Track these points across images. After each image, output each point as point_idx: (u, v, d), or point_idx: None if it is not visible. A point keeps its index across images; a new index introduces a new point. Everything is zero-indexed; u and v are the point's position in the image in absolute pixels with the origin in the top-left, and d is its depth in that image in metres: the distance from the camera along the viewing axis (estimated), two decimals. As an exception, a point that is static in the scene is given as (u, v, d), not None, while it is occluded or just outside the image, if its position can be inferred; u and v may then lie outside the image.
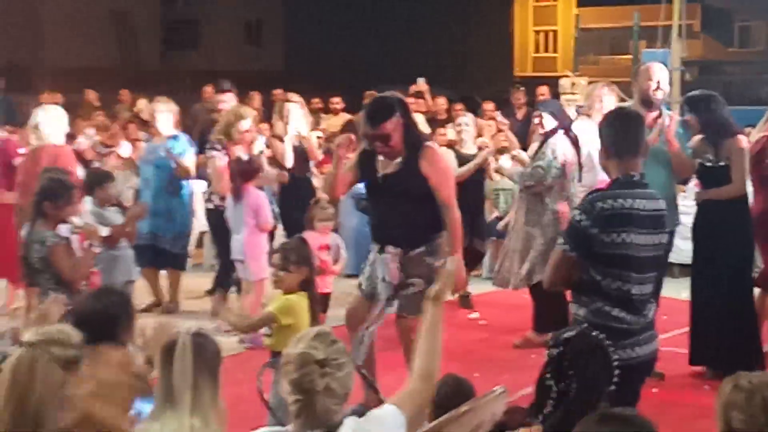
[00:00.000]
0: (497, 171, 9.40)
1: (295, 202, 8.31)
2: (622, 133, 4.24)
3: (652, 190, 4.26)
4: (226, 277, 8.51)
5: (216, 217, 8.35)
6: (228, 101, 9.48)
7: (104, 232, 6.47)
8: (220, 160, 8.25)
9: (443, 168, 5.80)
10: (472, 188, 8.85)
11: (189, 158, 8.74)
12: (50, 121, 7.98)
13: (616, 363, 3.52)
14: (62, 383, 2.91)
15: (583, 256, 4.09)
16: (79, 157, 11.31)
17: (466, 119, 9.37)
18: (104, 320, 3.73)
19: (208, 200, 8.53)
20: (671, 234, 6.49)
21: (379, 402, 4.03)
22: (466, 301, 9.03)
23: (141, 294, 8.63)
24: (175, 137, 8.76)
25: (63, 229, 5.55)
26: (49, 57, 29.62)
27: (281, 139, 8.72)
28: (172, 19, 34.81)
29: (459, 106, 12.92)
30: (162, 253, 8.68)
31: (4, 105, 18.18)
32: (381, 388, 4.55)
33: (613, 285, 4.11)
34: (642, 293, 4.17)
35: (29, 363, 2.88)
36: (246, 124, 8.28)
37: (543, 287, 6.02)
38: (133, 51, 32.78)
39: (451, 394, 3.75)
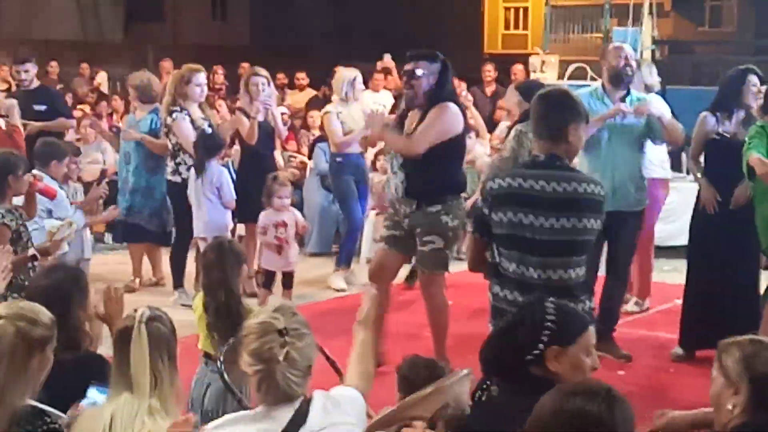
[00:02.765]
0: (469, 162, 9.13)
1: (255, 178, 8.04)
2: (540, 114, 4.27)
3: (568, 173, 4.18)
4: (181, 255, 8.27)
5: (180, 190, 8.08)
6: (30, 70, 9.28)
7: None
8: (184, 121, 7.98)
9: (435, 119, 5.84)
10: None
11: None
12: None
13: None
14: (26, 361, 2.93)
15: (484, 237, 4.18)
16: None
17: None
18: (56, 297, 3.60)
19: (175, 172, 8.13)
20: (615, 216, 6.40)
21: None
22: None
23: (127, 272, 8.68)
24: (155, 111, 8.54)
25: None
26: (8, 29, 29.04)
27: (246, 114, 8.47)
28: (136, -10, 34.30)
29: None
30: (138, 229, 8.53)
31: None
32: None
33: (509, 267, 4.11)
34: (550, 278, 4.09)
35: None
36: (201, 77, 8.08)
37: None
38: (96, 23, 32.25)
39: (418, 371, 3.72)
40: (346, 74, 8.93)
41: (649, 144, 6.92)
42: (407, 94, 6.01)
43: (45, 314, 3.05)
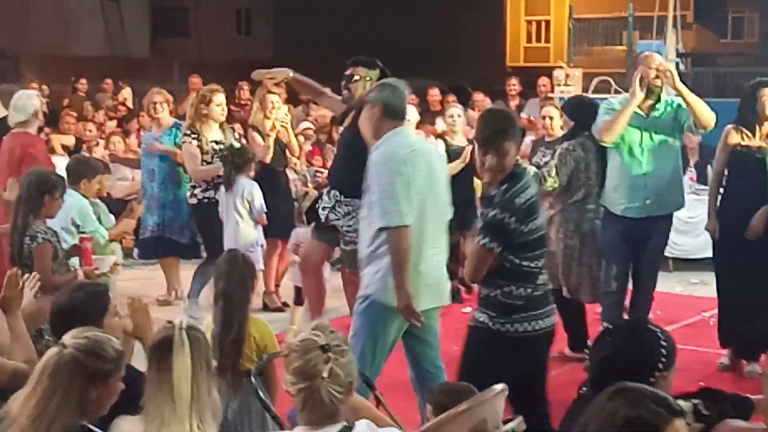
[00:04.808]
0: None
1: (268, 194, 7.99)
2: (517, 125, 4.70)
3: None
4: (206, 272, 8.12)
5: (202, 210, 8.13)
6: None
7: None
8: (190, 145, 8.02)
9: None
10: (461, 182, 8.74)
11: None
12: (20, 108, 7.81)
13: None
14: (82, 393, 2.94)
15: (502, 249, 4.45)
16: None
17: (458, 111, 9.24)
18: (74, 317, 3.64)
19: (192, 195, 8.15)
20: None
21: (376, 400, 3.98)
22: (456, 296, 8.91)
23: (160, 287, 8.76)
24: (177, 126, 8.64)
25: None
26: (37, 45, 29.37)
27: (259, 131, 8.54)
28: (161, 6, 34.59)
29: (452, 98, 12.82)
30: (171, 243, 8.58)
31: (-11, 94, 18.00)
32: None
33: (530, 264, 4.53)
34: (540, 267, 4.60)
35: (55, 365, 2.94)
36: (220, 97, 8.13)
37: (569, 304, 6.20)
38: (122, 39, 32.56)
39: (450, 394, 3.69)
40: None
41: None
42: (344, 94, 6.39)
43: (111, 347, 3.06)
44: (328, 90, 6.94)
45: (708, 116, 6.46)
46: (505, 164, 4.48)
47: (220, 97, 8.15)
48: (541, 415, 4.59)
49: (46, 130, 11.53)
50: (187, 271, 8.79)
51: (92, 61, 26.65)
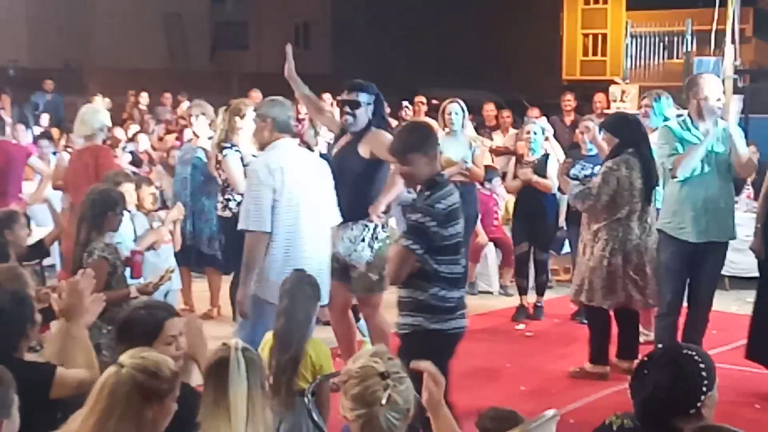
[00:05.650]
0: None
1: None
2: (435, 139, 4.96)
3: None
4: None
5: (232, 224, 8.09)
6: None
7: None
8: (234, 158, 8.01)
9: (385, 143, 5.91)
10: (531, 197, 8.74)
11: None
12: (89, 121, 8.02)
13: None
14: (140, 412, 3.00)
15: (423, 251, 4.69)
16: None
17: (536, 127, 9.09)
18: (141, 333, 3.72)
19: (225, 208, 8.11)
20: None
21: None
22: (539, 312, 8.90)
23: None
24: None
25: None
26: (101, 58, 29.93)
27: (310, 148, 8.63)
28: (221, 20, 35.05)
29: (506, 113, 12.80)
30: (196, 254, 8.60)
31: (53, 105, 18.43)
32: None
33: (447, 269, 4.77)
34: (463, 270, 4.91)
35: (113, 385, 3.00)
36: (250, 112, 7.94)
37: (593, 315, 6.08)
38: (183, 52, 33.03)
39: (496, 420, 3.69)
40: (441, 107, 9.11)
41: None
42: (346, 120, 6.28)
43: (167, 366, 3.12)
44: (326, 105, 7.05)
45: (749, 168, 6.75)
46: (414, 173, 4.79)
47: (252, 111, 8.04)
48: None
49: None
50: (202, 283, 8.86)
51: (153, 74, 27.09)
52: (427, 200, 4.72)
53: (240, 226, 5.57)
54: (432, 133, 5.05)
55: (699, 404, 3.04)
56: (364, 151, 6.20)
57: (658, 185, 6.94)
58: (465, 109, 9.02)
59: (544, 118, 10.00)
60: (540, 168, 8.70)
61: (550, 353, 7.69)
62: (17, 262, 5.89)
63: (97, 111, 8.32)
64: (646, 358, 3.25)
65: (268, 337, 4.73)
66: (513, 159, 9.25)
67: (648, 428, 3.11)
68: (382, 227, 6.36)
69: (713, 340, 7.58)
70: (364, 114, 6.24)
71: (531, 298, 8.98)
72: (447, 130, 8.84)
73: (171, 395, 3.09)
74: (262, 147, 5.80)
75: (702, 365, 3.10)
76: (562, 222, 9.38)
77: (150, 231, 6.89)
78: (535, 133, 8.92)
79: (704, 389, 3.05)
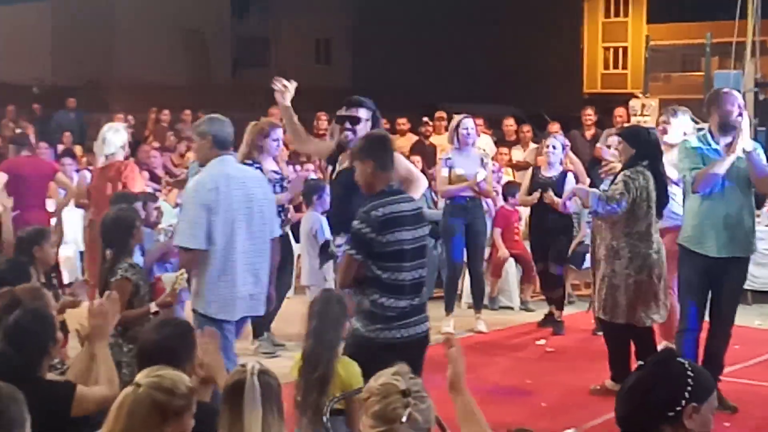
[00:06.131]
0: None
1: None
2: (387, 151, 5.08)
3: (407, 195, 5.16)
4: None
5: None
6: None
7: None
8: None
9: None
10: (545, 212, 8.75)
11: None
12: (111, 139, 8.21)
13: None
14: (160, 429, 3.05)
15: (364, 258, 4.83)
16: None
17: (555, 142, 9.10)
18: (163, 353, 3.73)
19: None
20: None
21: None
22: (559, 327, 8.88)
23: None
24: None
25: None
26: (123, 74, 30.18)
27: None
28: (242, 36, 35.27)
29: (527, 128, 12.79)
30: None
31: (76, 123, 18.57)
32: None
33: (390, 276, 4.87)
34: (414, 278, 4.95)
35: (132, 405, 3.05)
36: (278, 132, 8.05)
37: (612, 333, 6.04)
38: (205, 69, 33.25)
39: None
40: (452, 122, 9.09)
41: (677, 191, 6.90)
42: (346, 136, 6.24)
43: (183, 383, 3.16)
44: (312, 138, 7.07)
45: (766, 187, 6.63)
46: (364, 180, 5.01)
47: (277, 132, 8.11)
48: None
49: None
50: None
51: (175, 90, 27.28)
52: (366, 208, 4.87)
53: (175, 243, 5.79)
54: (386, 145, 5.18)
55: (678, 408, 3.00)
56: None
57: (668, 202, 6.92)
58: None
59: (560, 134, 9.98)
60: (557, 185, 8.71)
61: (571, 369, 7.66)
62: (44, 277, 5.97)
63: (118, 130, 8.44)
64: (640, 364, 3.26)
65: (298, 357, 4.73)
66: (529, 172, 9.29)
67: (626, 427, 3.07)
68: None
69: (736, 355, 7.55)
70: (363, 130, 6.21)
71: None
72: (457, 145, 8.83)
73: (189, 412, 3.13)
74: (203, 164, 5.94)
75: (691, 374, 3.08)
76: (582, 237, 9.40)
77: (158, 244, 6.97)
78: (554, 147, 8.94)
79: (686, 395, 3.02)
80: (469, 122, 8.89)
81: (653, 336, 7.10)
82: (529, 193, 8.93)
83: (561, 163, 9.01)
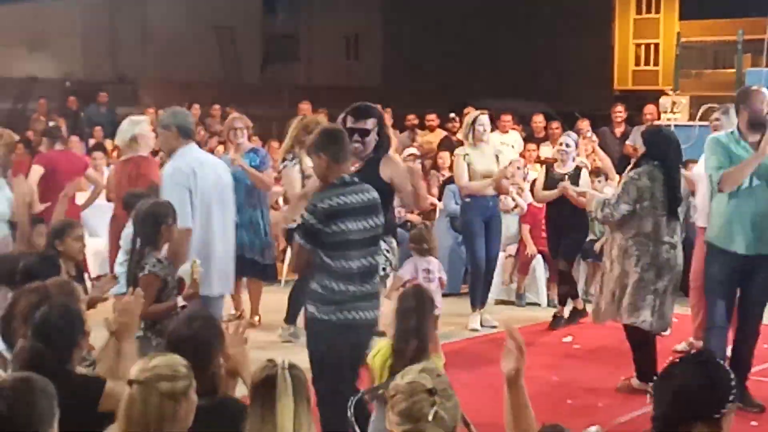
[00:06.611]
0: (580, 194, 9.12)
1: None
2: (341, 145, 5.27)
3: (364, 185, 5.30)
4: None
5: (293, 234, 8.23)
6: None
7: None
8: (292, 170, 8.13)
9: (402, 169, 6.39)
10: (564, 208, 8.75)
11: (267, 173, 8.79)
12: (124, 127, 8.29)
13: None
14: (175, 413, 3.17)
15: (313, 246, 5.08)
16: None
17: (569, 140, 9.15)
18: (197, 346, 3.78)
19: (287, 218, 8.08)
20: None
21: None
22: (557, 322, 8.93)
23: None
24: (254, 150, 8.87)
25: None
26: (155, 71, 30.38)
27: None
28: (272, 33, 35.36)
29: (556, 125, 12.76)
30: (251, 264, 8.66)
31: (108, 118, 18.70)
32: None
33: (338, 264, 5.10)
34: (363, 265, 5.15)
35: (141, 403, 3.14)
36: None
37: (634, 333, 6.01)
38: (235, 65, 33.38)
39: None
40: (467, 117, 9.07)
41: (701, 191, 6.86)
42: (357, 148, 6.19)
43: (181, 364, 3.26)
44: None
45: None
46: (317, 172, 5.28)
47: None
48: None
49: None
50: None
51: (205, 86, 27.41)
52: (314, 199, 5.14)
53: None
54: (340, 138, 5.34)
55: (724, 410, 3.01)
56: (384, 175, 6.22)
57: (681, 203, 6.84)
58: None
59: (575, 134, 10.00)
60: (571, 181, 8.74)
61: (597, 366, 7.65)
62: (75, 270, 6.03)
63: (133, 122, 8.45)
64: (674, 362, 3.24)
65: (381, 344, 4.73)
66: (543, 169, 9.33)
67: (669, 425, 3.07)
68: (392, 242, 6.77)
69: (764, 354, 7.50)
70: (372, 140, 6.25)
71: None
72: (472, 141, 8.80)
73: (192, 387, 3.23)
74: (170, 154, 6.40)
75: (732, 377, 3.10)
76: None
77: None
78: (567, 145, 8.98)
79: (731, 398, 3.04)
80: (485, 119, 8.89)
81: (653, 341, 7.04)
82: (545, 190, 8.95)
83: (574, 160, 9.05)
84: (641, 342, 6.95)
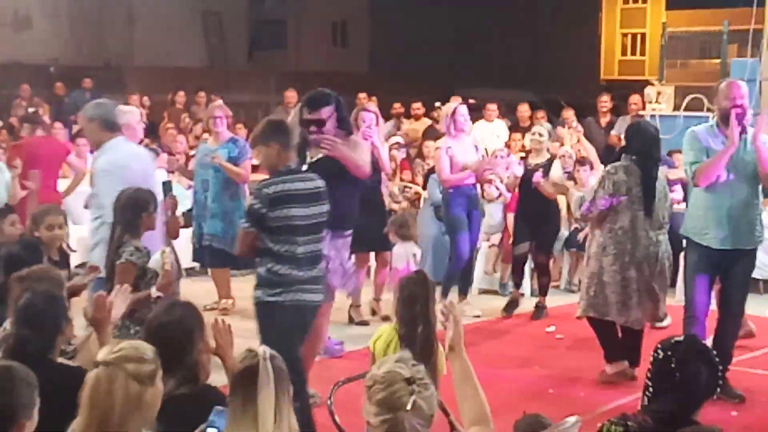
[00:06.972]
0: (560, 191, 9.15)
1: (363, 210, 8.12)
2: (287, 134, 5.49)
3: (309, 174, 5.57)
4: None
5: None
6: None
7: None
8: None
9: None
10: (535, 199, 8.75)
11: (246, 163, 8.79)
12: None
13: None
14: (140, 397, 3.10)
15: (256, 230, 5.27)
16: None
17: (542, 129, 9.16)
18: (179, 333, 3.78)
19: None
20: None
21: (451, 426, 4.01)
22: (540, 313, 8.95)
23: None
24: (233, 141, 8.87)
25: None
26: (140, 57, 30.21)
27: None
28: (259, 19, 35.22)
29: (541, 114, 12.77)
30: (218, 253, 8.69)
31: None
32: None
33: (282, 248, 5.29)
34: (310, 251, 5.36)
35: (107, 383, 3.06)
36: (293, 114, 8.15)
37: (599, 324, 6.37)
38: (222, 51, 33.25)
39: (528, 428, 3.68)
40: (445, 108, 9.06)
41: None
42: (314, 140, 6.22)
43: (148, 348, 3.20)
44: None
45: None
46: (268, 162, 5.42)
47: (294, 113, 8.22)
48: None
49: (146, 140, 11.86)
50: (237, 283, 8.87)
51: (192, 73, 27.27)
52: (260, 185, 5.29)
53: (104, 219, 5.91)
54: (281, 128, 5.50)
55: (715, 396, 3.11)
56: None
57: (655, 199, 6.83)
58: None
59: (548, 124, 10.01)
60: (544, 172, 8.74)
61: (580, 356, 7.67)
62: (58, 256, 6.01)
63: (122, 112, 8.35)
64: (667, 352, 3.26)
65: (383, 329, 4.75)
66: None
67: (671, 423, 3.11)
68: None
69: (748, 344, 7.55)
70: (331, 127, 6.24)
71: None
72: (453, 132, 8.76)
73: (158, 374, 3.18)
74: (97, 146, 6.39)
75: (716, 360, 3.19)
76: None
77: None
78: (540, 135, 8.96)
79: (720, 382, 3.15)
80: (464, 109, 8.88)
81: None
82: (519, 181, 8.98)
83: (548, 150, 9.05)
84: (606, 327, 7.02)
